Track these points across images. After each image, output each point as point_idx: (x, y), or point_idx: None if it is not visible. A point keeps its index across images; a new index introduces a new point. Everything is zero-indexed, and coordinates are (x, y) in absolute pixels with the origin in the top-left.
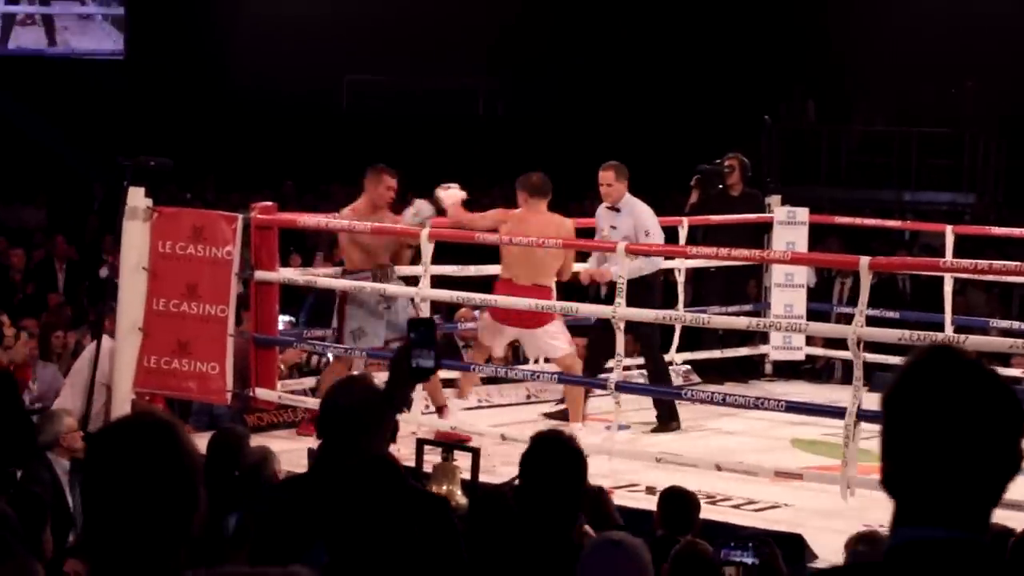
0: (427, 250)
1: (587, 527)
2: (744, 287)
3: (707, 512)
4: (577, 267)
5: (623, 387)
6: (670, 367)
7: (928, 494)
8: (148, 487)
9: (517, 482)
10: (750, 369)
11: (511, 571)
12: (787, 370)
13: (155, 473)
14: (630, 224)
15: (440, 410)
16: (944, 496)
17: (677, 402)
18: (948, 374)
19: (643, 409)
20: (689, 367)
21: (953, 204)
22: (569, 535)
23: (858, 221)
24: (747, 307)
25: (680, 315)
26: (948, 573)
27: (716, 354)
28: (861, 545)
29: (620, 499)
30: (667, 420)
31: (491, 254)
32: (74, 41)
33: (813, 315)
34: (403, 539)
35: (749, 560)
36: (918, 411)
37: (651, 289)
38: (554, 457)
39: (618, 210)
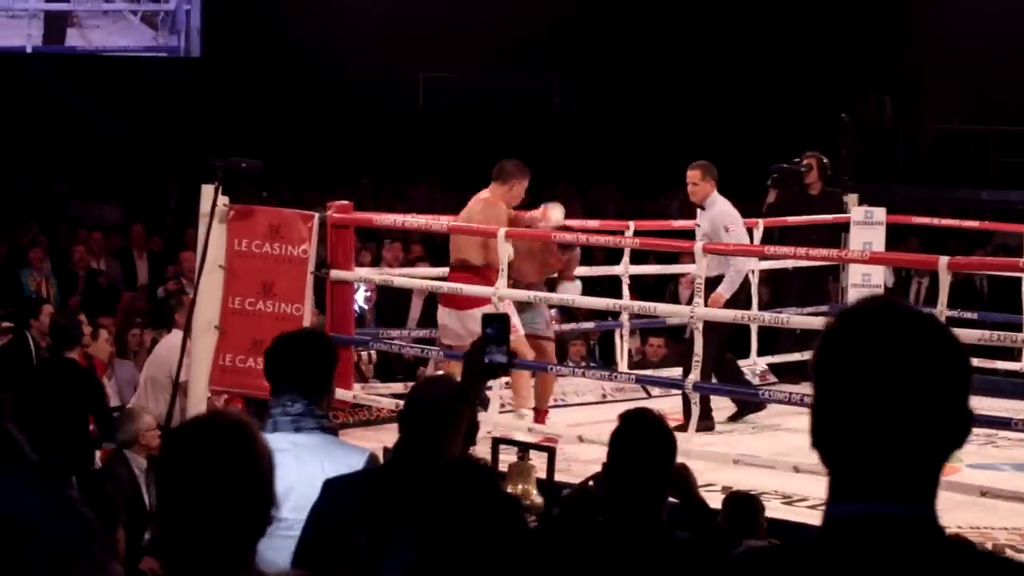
0: (504, 250)
1: None
2: (822, 288)
3: (783, 512)
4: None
5: (700, 388)
6: (749, 367)
7: (866, 463)
8: (221, 486)
9: (591, 483)
10: None
11: (601, 555)
12: None
13: (228, 472)
14: (708, 224)
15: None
16: (884, 465)
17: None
18: (885, 325)
19: (721, 409)
20: (766, 367)
21: None
22: (658, 513)
23: (936, 221)
24: (824, 308)
25: (757, 315)
26: (890, 552)
27: (795, 356)
28: None
29: None
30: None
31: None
32: (103, 39)
33: None
34: (492, 543)
35: None
36: (852, 367)
37: (738, 291)
38: (643, 434)
39: (703, 208)
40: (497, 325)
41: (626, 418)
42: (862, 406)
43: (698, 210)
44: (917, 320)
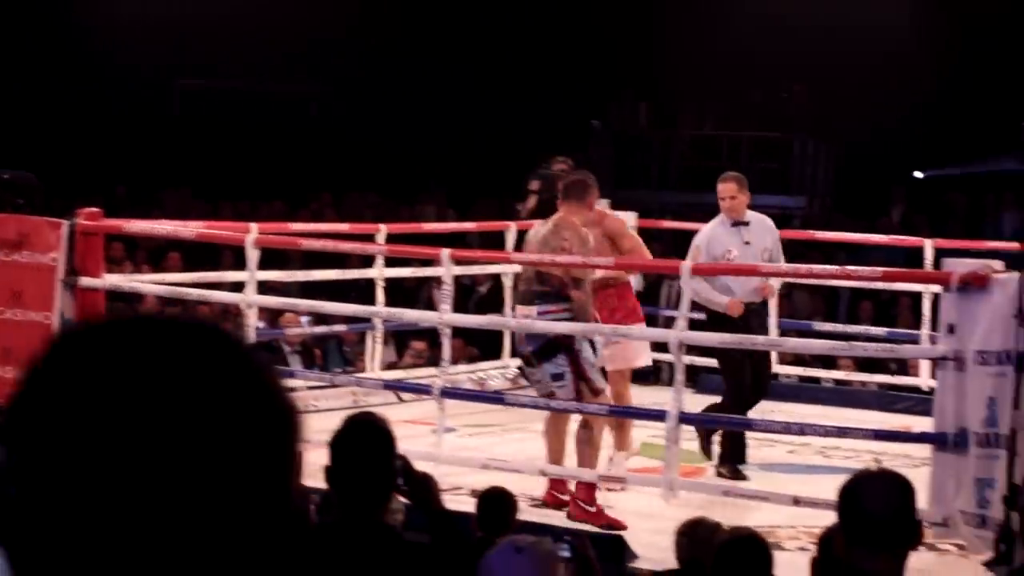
0: (252, 256)
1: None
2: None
3: (531, 515)
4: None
5: (448, 393)
6: (501, 370)
7: None
8: None
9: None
10: None
11: (326, 555)
12: None
13: None
14: (769, 238)
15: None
16: None
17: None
18: (118, 352)
19: (474, 413)
20: (519, 370)
21: (783, 208)
22: (379, 515)
23: (685, 225)
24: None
25: (506, 321)
26: None
27: None
28: (684, 536)
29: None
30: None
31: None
32: None
33: None
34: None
35: (561, 555)
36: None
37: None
38: (362, 436)
39: (747, 223)
40: None
41: (348, 421)
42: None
43: (727, 227)
44: (183, 346)
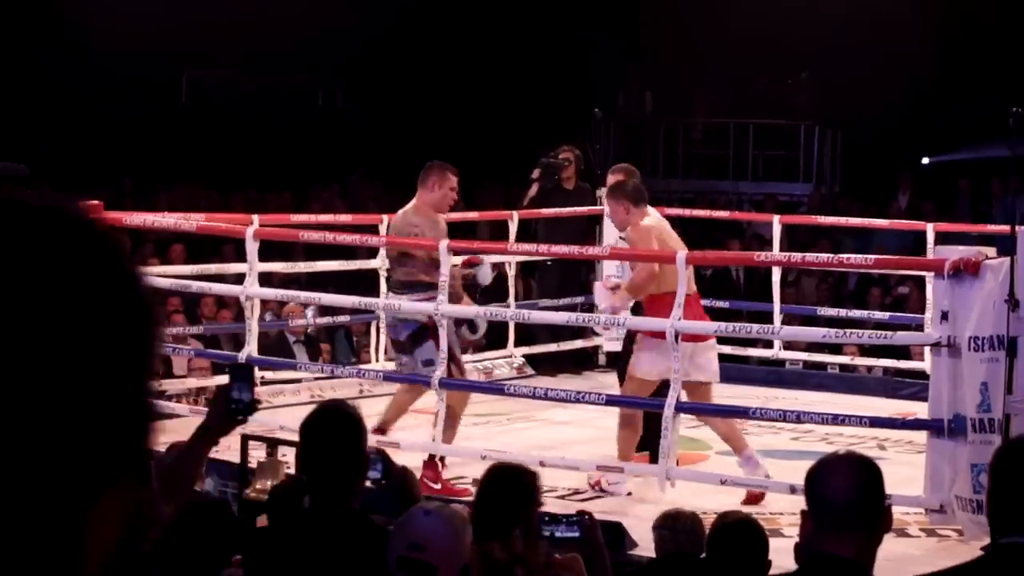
0: (252, 248)
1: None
2: (578, 280)
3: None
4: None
5: (446, 384)
6: (506, 360)
7: None
8: None
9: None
10: (584, 360)
11: (301, 538)
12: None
13: None
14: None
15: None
16: None
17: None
18: None
19: (479, 402)
20: (523, 360)
21: (790, 195)
22: (350, 500)
23: (687, 212)
24: (579, 300)
25: (503, 311)
26: None
27: (551, 347)
28: (665, 529)
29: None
30: None
31: (316, 251)
32: None
33: None
34: None
35: (567, 534)
36: None
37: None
38: (331, 424)
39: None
40: (242, 371)
41: (317, 409)
42: None
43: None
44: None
